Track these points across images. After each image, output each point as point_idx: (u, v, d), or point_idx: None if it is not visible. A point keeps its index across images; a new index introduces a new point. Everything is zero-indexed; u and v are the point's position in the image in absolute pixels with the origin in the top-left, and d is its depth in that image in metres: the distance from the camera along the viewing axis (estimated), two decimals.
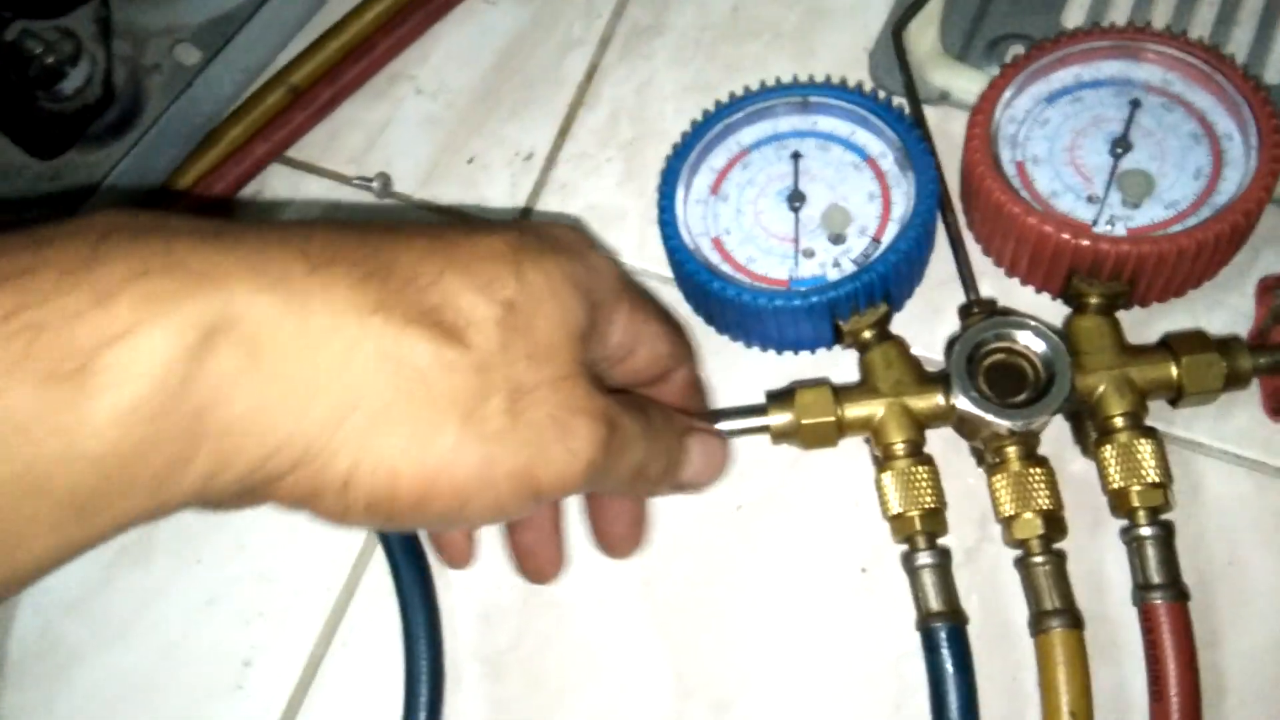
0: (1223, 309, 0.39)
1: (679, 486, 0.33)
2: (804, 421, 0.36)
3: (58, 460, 0.21)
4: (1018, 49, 0.44)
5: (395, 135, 0.48)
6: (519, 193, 0.46)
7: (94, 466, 0.22)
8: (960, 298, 0.40)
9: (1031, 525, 0.35)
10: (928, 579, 0.35)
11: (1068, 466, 0.37)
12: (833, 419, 0.36)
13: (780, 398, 0.36)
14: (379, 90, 0.49)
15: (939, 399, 0.35)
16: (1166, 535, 0.34)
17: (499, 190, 0.47)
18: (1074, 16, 0.44)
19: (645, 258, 0.44)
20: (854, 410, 0.36)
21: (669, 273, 0.43)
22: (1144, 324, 0.39)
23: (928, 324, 0.41)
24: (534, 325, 0.28)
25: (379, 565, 0.40)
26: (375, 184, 0.47)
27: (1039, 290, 0.40)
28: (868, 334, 0.37)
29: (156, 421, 0.22)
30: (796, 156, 0.40)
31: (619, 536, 0.37)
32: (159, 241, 0.23)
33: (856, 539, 0.38)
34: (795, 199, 0.40)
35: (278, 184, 0.48)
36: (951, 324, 0.40)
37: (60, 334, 0.21)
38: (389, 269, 0.26)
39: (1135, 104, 0.39)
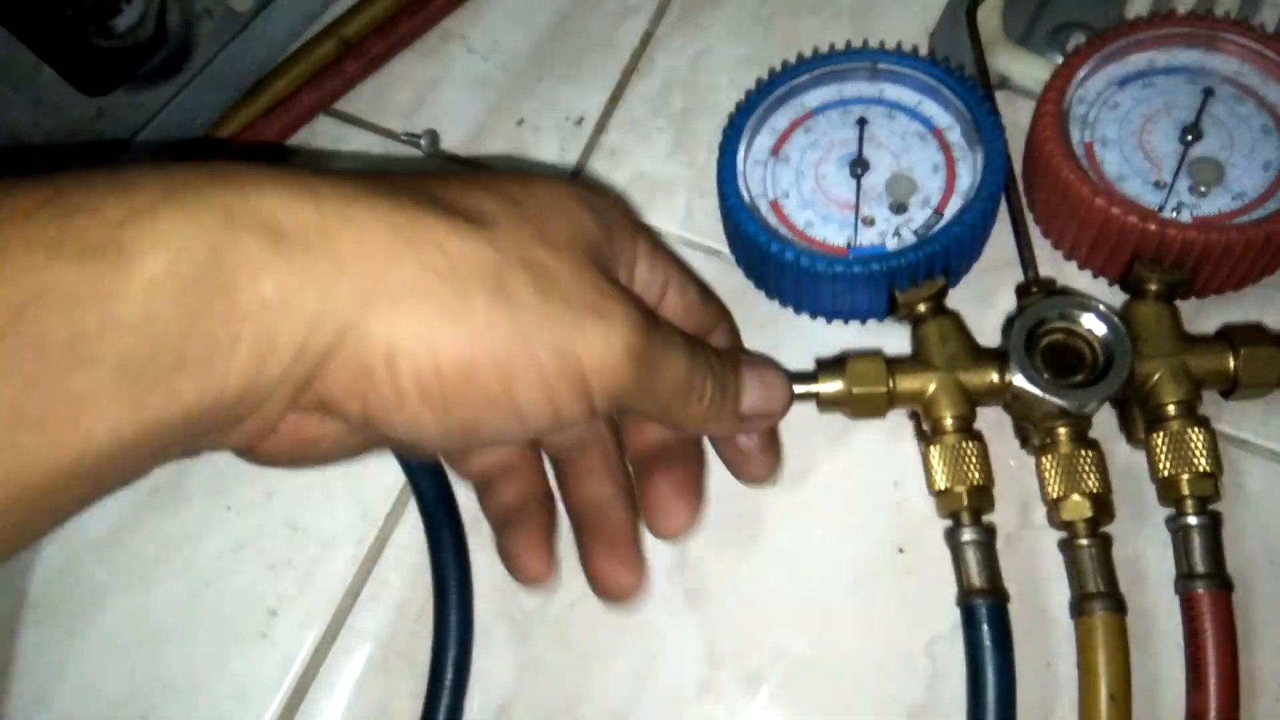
0: (1278, 305, 0.39)
1: (744, 419, 0.33)
2: (855, 390, 0.35)
3: (101, 328, 0.22)
4: (1080, 38, 0.43)
5: (445, 93, 0.48)
6: (568, 156, 0.46)
7: (137, 334, 0.23)
8: (1014, 283, 0.39)
9: (1080, 507, 0.34)
10: (971, 555, 0.34)
11: (1113, 455, 0.36)
12: (884, 389, 0.35)
13: (831, 366, 0.36)
14: (431, 47, 0.49)
15: (993, 375, 0.35)
16: (1213, 525, 0.34)
17: (548, 153, 0.46)
18: (1138, 6, 0.44)
19: (692, 228, 0.44)
20: (906, 382, 0.35)
21: (717, 244, 0.43)
22: (1200, 316, 0.39)
23: (981, 306, 0.40)
24: (546, 222, 0.29)
25: (411, 520, 0.40)
26: (423, 140, 0.46)
27: (1097, 274, 0.39)
28: (923, 307, 0.37)
29: (190, 293, 0.23)
30: (862, 123, 0.40)
31: (748, 455, 0.36)
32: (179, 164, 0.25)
33: (895, 518, 0.38)
34: (858, 166, 0.39)
35: (325, 135, 0.48)
36: (1004, 309, 0.40)
37: (89, 215, 0.23)
38: (398, 180, 0.27)
39: (1208, 93, 0.38)
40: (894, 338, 0.39)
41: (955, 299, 0.40)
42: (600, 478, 0.35)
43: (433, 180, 0.28)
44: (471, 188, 0.29)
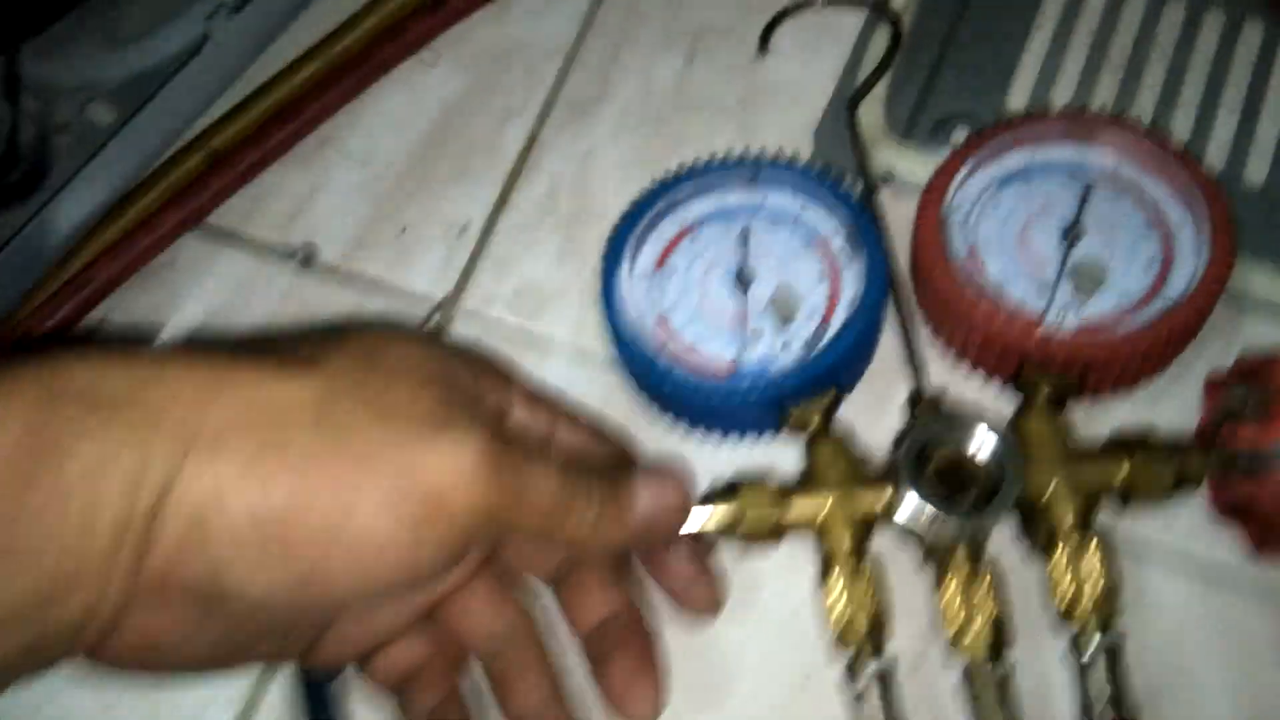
0: (1169, 399, 0.39)
1: (646, 528, 0.31)
2: (746, 518, 0.34)
3: None
4: (963, 130, 0.43)
5: (322, 204, 0.46)
6: (453, 266, 0.44)
7: None
8: (907, 385, 0.38)
9: (978, 635, 0.33)
10: (871, 694, 0.33)
11: (1014, 568, 0.36)
12: (775, 517, 0.34)
13: (721, 494, 0.35)
14: (306, 156, 0.47)
15: (885, 498, 0.34)
16: (1114, 650, 0.33)
17: (431, 263, 0.44)
18: (1018, 97, 0.44)
19: (584, 337, 0.42)
20: (798, 508, 0.34)
21: (609, 353, 0.41)
22: (1092, 415, 0.38)
23: (874, 413, 0.39)
24: (381, 355, 0.28)
25: (284, 678, 0.37)
26: (298, 255, 0.45)
27: (988, 377, 0.39)
28: (814, 422, 0.36)
29: (11, 475, 0.23)
30: (745, 234, 0.39)
31: (685, 579, 0.34)
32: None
33: (797, 650, 0.36)
34: (743, 278, 0.38)
35: (193, 254, 0.45)
36: (898, 413, 0.39)
37: None
38: (220, 343, 0.28)
39: (1087, 191, 0.38)
40: (788, 455, 0.38)
41: (849, 405, 0.39)
42: (530, 682, 0.33)
43: (258, 340, 0.29)
44: (298, 340, 0.28)
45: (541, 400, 0.34)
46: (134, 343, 0.41)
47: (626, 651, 0.33)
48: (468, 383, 0.30)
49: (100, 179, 0.45)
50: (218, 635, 0.28)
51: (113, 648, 0.26)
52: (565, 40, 0.48)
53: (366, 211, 0.46)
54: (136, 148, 0.45)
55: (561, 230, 0.45)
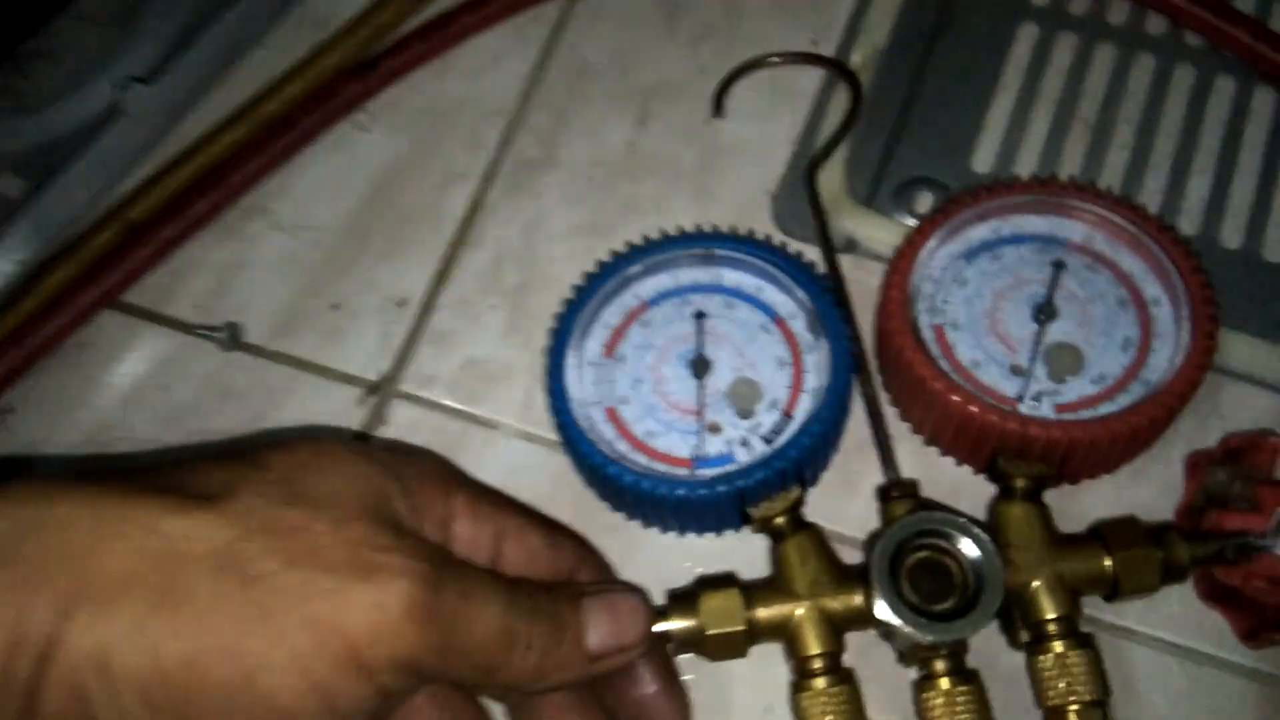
0: (1147, 479, 0.37)
1: (595, 658, 0.29)
2: (711, 630, 0.31)
3: None
4: (926, 196, 0.41)
5: (249, 278, 0.43)
6: (390, 344, 0.41)
7: None
8: (876, 464, 0.36)
9: None
10: None
11: (998, 659, 0.33)
12: (743, 627, 0.31)
13: (683, 600, 0.32)
14: (231, 226, 0.44)
15: (859, 599, 0.31)
16: None
17: (368, 340, 0.42)
18: (983, 160, 0.42)
19: (532, 419, 0.39)
20: (767, 612, 0.32)
21: (559, 436, 0.39)
22: (1069, 496, 0.36)
23: (842, 497, 0.37)
24: (302, 480, 0.26)
25: None
26: (222, 334, 0.41)
27: (960, 463, 0.36)
28: (780, 521, 0.33)
29: None
30: (700, 316, 0.36)
31: (647, 702, 0.31)
32: None
33: None
34: (699, 365, 0.36)
35: (110, 334, 0.42)
36: (867, 495, 0.37)
37: None
38: (122, 469, 0.26)
39: (1058, 266, 0.36)
40: (753, 545, 0.35)
41: (814, 494, 0.36)
42: None
43: (168, 465, 0.26)
44: (209, 464, 0.26)
45: (486, 505, 0.31)
46: (16, 470, 0.38)
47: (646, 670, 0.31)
48: (402, 508, 0.27)
49: (8, 255, 0.41)
50: None
51: None
52: (509, 100, 0.46)
53: (296, 286, 0.43)
54: (48, 220, 0.42)
55: (508, 303, 0.42)
